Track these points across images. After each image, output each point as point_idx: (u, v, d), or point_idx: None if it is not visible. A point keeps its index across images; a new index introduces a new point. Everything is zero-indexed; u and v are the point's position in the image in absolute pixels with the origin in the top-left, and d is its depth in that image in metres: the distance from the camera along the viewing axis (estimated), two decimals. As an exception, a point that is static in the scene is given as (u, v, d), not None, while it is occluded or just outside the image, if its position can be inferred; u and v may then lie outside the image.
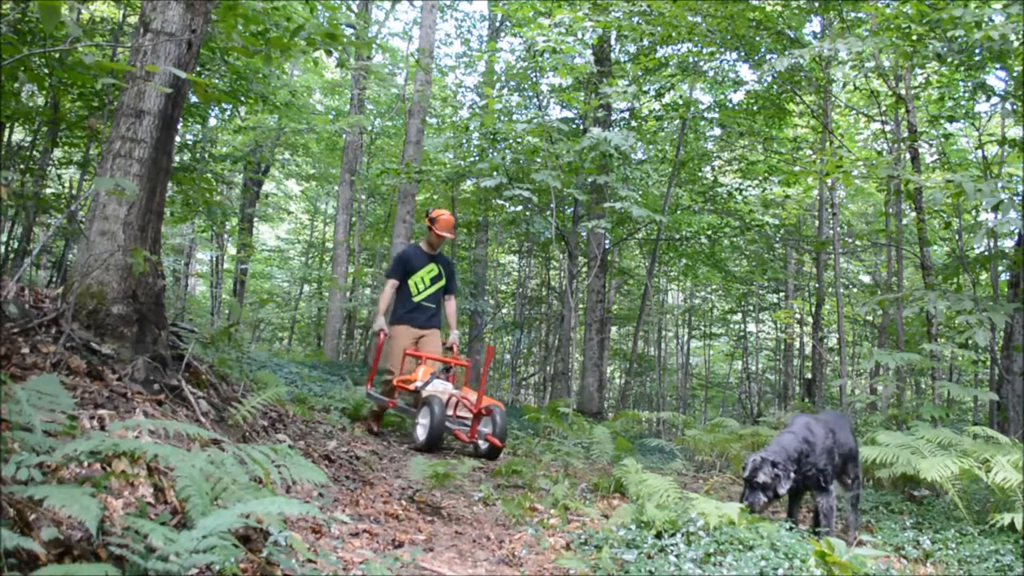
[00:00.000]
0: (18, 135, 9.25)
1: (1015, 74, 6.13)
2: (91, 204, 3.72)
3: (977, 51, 5.77)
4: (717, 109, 12.70)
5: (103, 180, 3.05)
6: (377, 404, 6.33)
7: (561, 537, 3.36)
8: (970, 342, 5.23)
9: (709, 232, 14.24)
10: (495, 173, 9.40)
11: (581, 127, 12.22)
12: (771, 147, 13.09)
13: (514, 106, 13.10)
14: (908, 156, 7.42)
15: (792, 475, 3.53)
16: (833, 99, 9.49)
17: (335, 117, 16.17)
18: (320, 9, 8.21)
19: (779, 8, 8.72)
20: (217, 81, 8.90)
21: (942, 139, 8.64)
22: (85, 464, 2.27)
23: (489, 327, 17.83)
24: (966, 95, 8.57)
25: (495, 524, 3.66)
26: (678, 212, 14.78)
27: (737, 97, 12.83)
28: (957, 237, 8.19)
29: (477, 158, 11.38)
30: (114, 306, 3.55)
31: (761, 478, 3.49)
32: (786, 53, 7.06)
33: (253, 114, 13.23)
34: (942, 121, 8.36)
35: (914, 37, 6.05)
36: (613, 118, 12.36)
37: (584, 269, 13.27)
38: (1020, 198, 5.55)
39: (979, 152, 8.83)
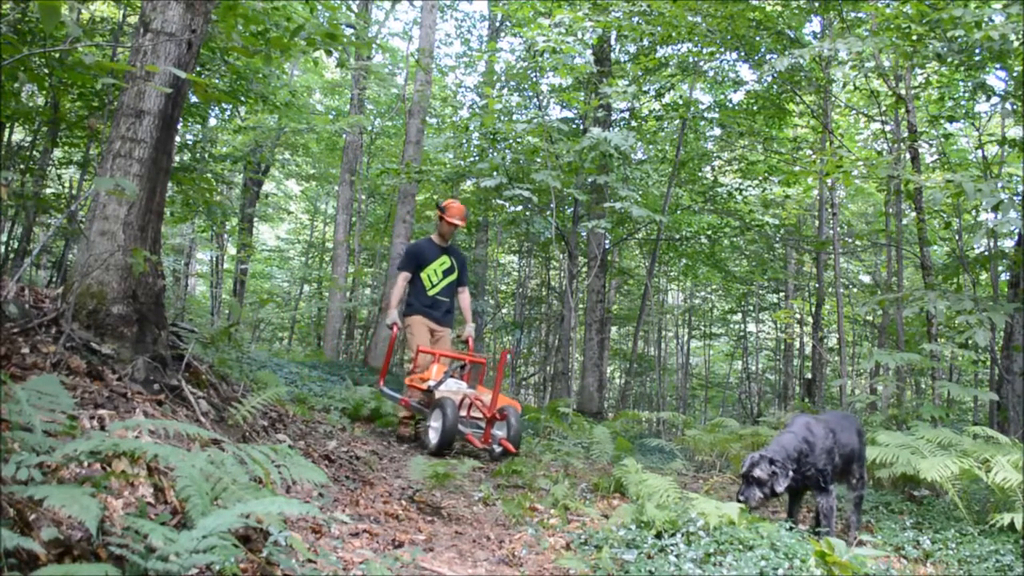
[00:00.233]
0: (18, 135, 9.25)
1: (1015, 74, 6.13)
2: (91, 204, 3.72)
3: (977, 51, 5.77)
4: (717, 109, 12.70)
5: (103, 180, 3.05)
6: (411, 410, 6.04)
7: (561, 537, 3.36)
8: (970, 342, 5.23)
9: (709, 232, 14.24)
10: (495, 173, 9.40)
11: (581, 127, 12.22)
12: (771, 147, 13.09)
13: (514, 106, 13.11)
14: (908, 156, 7.42)
15: (790, 474, 3.53)
16: (833, 99, 9.49)
17: (335, 117, 16.17)
18: (320, 9, 8.20)
19: (779, 8, 8.72)
20: (217, 81, 8.91)
21: (942, 139, 8.64)
22: (85, 464, 2.27)
23: (489, 327, 17.84)
24: (966, 95, 8.57)
25: (495, 524, 3.66)
26: (678, 212, 14.78)
27: (737, 97, 12.84)
28: (957, 237, 8.19)
29: (477, 158, 11.39)
30: (114, 306, 3.55)
31: (757, 474, 3.50)
32: (786, 53, 7.06)
33: (253, 114, 13.24)
34: (942, 121, 8.36)
35: (914, 37, 6.05)
36: (613, 118, 12.36)
37: (584, 269, 13.27)
38: (1020, 198, 5.55)
39: (979, 152, 8.83)
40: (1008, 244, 8.34)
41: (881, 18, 6.48)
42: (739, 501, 3.43)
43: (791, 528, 3.33)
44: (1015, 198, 5.20)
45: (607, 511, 3.92)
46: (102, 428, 2.71)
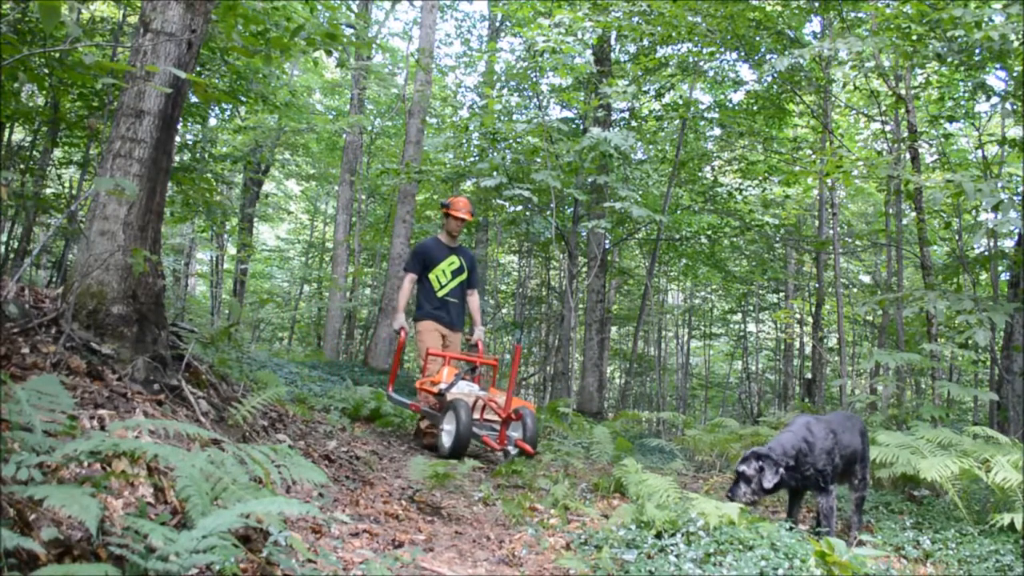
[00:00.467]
0: (18, 135, 9.25)
1: (1015, 74, 6.13)
2: (91, 204, 3.72)
3: (977, 51, 5.77)
4: (717, 109, 12.71)
5: (103, 180, 3.05)
6: (422, 414, 5.86)
7: (561, 537, 3.36)
8: (970, 342, 5.23)
9: (709, 232, 14.24)
10: (495, 173, 9.40)
11: (581, 127, 12.23)
12: (771, 147, 13.09)
13: (514, 106, 13.12)
14: (908, 156, 7.42)
15: (780, 471, 3.52)
16: (833, 99, 9.49)
17: (335, 117, 16.19)
18: (320, 9, 8.21)
19: (779, 8, 8.73)
20: (217, 81, 8.91)
21: (942, 139, 8.65)
22: (85, 464, 2.27)
23: (489, 327, 17.83)
24: (966, 95, 8.57)
25: (495, 524, 3.66)
26: (678, 212, 14.78)
27: (737, 97, 12.85)
28: (957, 237, 8.19)
29: (477, 158, 11.39)
30: (114, 306, 3.55)
31: (742, 469, 3.51)
32: (786, 53, 7.07)
33: (253, 114, 13.24)
34: (942, 121, 8.37)
35: (914, 37, 6.05)
36: (613, 118, 12.36)
37: (584, 269, 13.27)
38: (1020, 198, 5.55)
39: (979, 152, 8.83)
40: (1008, 244, 8.34)
41: (881, 18, 6.49)
42: (728, 498, 3.45)
43: (791, 528, 3.33)
44: (1015, 198, 5.20)
45: (607, 511, 3.92)
46: (102, 428, 2.71)
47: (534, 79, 11.20)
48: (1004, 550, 3.47)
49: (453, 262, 6.22)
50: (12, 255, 7.50)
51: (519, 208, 13.01)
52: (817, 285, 14.15)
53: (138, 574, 1.78)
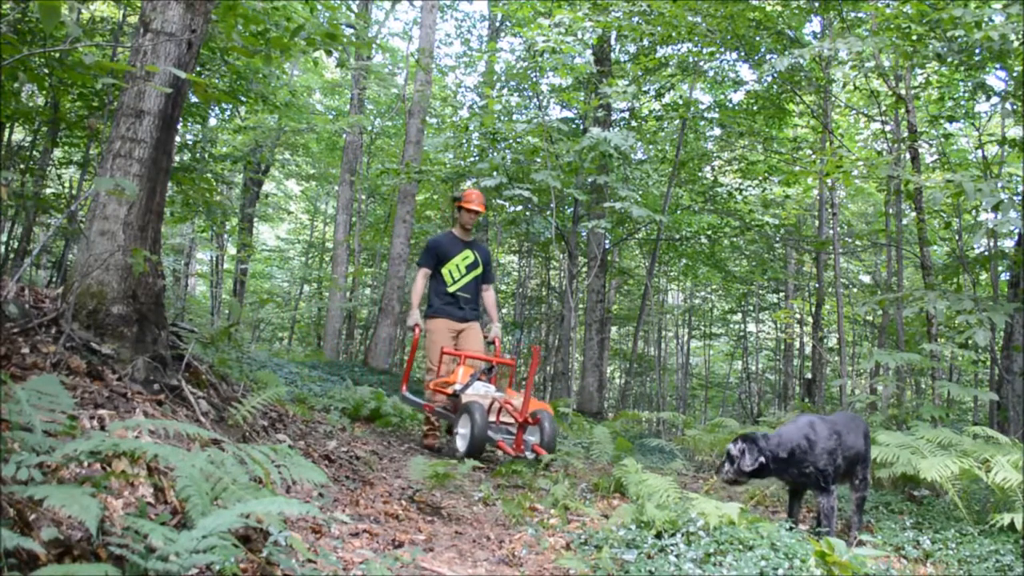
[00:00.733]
0: (18, 135, 9.26)
1: (1015, 74, 6.14)
2: (91, 204, 3.72)
3: (977, 51, 5.77)
4: (717, 109, 12.71)
5: (103, 180, 3.05)
6: (436, 415, 5.71)
7: (561, 537, 3.36)
8: (970, 342, 5.23)
9: (709, 232, 14.25)
10: (495, 173, 9.40)
11: (581, 127, 12.23)
12: (771, 147, 13.10)
13: (514, 106, 13.12)
14: (908, 156, 7.42)
15: (762, 458, 3.56)
16: (833, 99, 9.50)
17: (335, 117, 16.19)
18: (320, 9, 8.21)
19: (779, 8, 8.73)
20: (217, 81, 8.91)
21: (942, 139, 8.65)
22: (85, 464, 2.27)
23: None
24: (966, 95, 8.58)
25: (495, 524, 3.66)
26: (678, 212, 14.79)
27: (737, 97, 12.85)
28: (957, 237, 8.19)
29: (477, 158, 11.39)
30: (114, 306, 3.55)
31: (729, 447, 3.64)
32: (786, 53, 7.07)
33: (253, 114, 13.25)
34: (942, 121, 8.37)
35: (914, 37, 6.05)
36: (613, 118, 12.36)
37: (584, 269, 13.27)
38: (1020, 198, 5.55)
39: (979, 152, 8.83)
40: (1008, 244, 8.35)
41: (881, 18, 6.49)
42: (715, 474, 3.57)
43: (791, 528, 3.33)
44: (1015, 198, 5.20)
45: (607, 511, 3.92)
46: (102, 428, 2.71)
47: (534, 79, 11.20)
48: (1004, 550, 3.47)
49: (467, 256, 6.12)
50: (12, 255, 7.51)
51: (519, 208, 13.01)
52: (817, 285, 14.15)
53: (138, 574, 1.78)
